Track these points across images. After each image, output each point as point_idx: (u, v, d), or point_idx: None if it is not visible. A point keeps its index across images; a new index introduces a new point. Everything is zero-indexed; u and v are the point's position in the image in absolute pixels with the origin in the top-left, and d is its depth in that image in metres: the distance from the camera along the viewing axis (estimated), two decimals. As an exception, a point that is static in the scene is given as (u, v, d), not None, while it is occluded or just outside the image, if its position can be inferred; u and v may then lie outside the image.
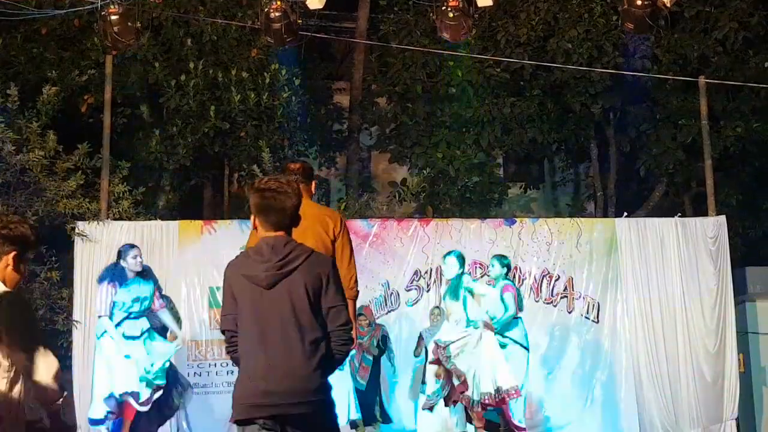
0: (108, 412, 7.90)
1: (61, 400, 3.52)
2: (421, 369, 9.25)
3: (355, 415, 8.57)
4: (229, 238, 9.76)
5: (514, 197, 16.35)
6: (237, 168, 13.66)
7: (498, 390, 8.07)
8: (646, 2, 9.06)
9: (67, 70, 11.92)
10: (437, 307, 9.83)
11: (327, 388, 3.87)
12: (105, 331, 8.02)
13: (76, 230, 9.76)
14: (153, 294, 8.17)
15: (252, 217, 4.00)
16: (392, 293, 10.06)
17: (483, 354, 8.16)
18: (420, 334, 9.71)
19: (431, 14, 9.96)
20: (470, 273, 9.36)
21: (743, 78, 12.59)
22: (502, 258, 8.82)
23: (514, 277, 9.91)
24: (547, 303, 10.25)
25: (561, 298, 10.29)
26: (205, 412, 9.49)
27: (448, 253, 8.59)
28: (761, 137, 13.00)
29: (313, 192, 5.52)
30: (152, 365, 7.98)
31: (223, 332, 3.95)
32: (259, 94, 12.07)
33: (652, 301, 10.24)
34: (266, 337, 3.77)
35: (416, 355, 9.58)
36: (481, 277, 9.79)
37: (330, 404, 3.91)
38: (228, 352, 3.99)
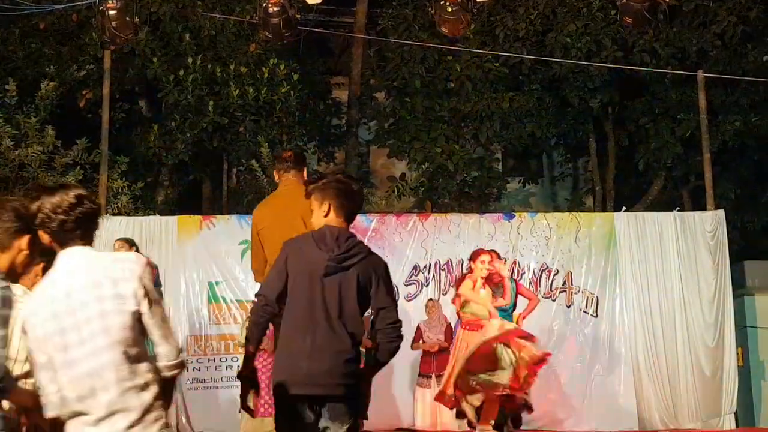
0: None
1: None
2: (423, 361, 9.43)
3: None
4: (228, 233, 9.76)
5: (512, 192, 16.36)
6: (236, 163, 13.67)
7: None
8: (644, -4, 9.06)
9: (66, 65, 11.92)
10: (431, 299, 9.87)
11: (361, 376, 4.15)
12: None
13: (75, 225, 9.74)
14: None
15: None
16: (391, 288, 10.04)
17: None
18: (418, 326, 9.73)
19: (430, 9, 9.95)
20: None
21: (742, 72, 12.59)
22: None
23: (513, 272, 9.98)
24: (546, 297, 10.25)
25: (560, 292, 10.30)
26: (204, 407, 9.50)
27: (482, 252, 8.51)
28: (760, 131, 13.01)
29: (305, 178, 5.58)
30: None
31: (258, 295, 4.11)
32: (258, 89, 12.07)
33: (651, 295, 10.25)
34: (315, 321, 3.98)
35: (414, 348, 9.61)
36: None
37: (360, 392, 4.19)
38: (254, 313, 4.10)
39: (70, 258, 3.09)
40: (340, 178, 4.27)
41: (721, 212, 10.61)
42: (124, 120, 12.49)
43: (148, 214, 10.53)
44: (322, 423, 4.00)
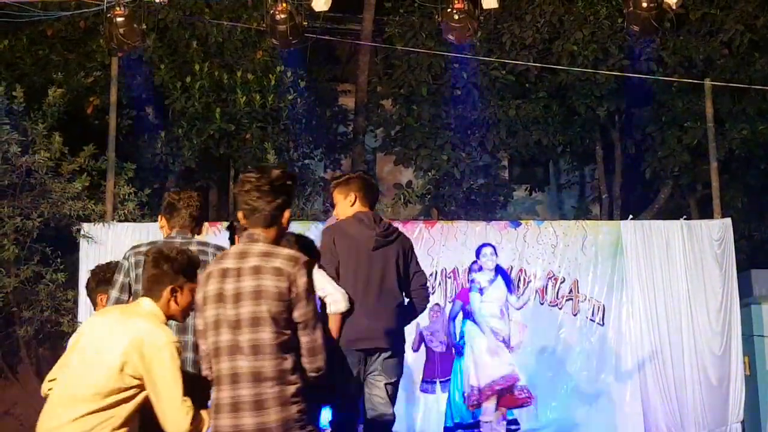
0: None
1: None
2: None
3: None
4: (234, 240, 9.74)
5: (519, 199, 16.32)
6: (242, 170, 13.65)
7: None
8: (651, 4, 9.04)
9: (73, 71, 11.94)
10: (437, 303, 9.89)
11: (404, 334, 5.07)
12: None
13: (82, 232, 9.77)
14: None
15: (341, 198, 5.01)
16: (397, 295, 10.04)
17: None
18: (420, 332, 9.75)
19: (437, 16, 9.96)
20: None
21: (749, 80, 12.55)
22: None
23: (519, 279, 9.98)
24: (552, 305, 10.24)
25: (566, 300, 10.28)
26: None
27: (485, 245, 8.65)
28: (767, 139, 12.97)
29: None
30: None
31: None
32: (265, 96, 12.07)
33: (658, 303, 10.23)
34: (368, 288, 4.78)
35: (415, 350, 9.66)
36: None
37: (404, 348, 5.09)
38: None
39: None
40: (360, 174, 5.13)
41: (728, 221, 10.59)
42: (130, 127, 12.50)
43: (155, 221, 10.52)
44: (375, 375, 4.80)
